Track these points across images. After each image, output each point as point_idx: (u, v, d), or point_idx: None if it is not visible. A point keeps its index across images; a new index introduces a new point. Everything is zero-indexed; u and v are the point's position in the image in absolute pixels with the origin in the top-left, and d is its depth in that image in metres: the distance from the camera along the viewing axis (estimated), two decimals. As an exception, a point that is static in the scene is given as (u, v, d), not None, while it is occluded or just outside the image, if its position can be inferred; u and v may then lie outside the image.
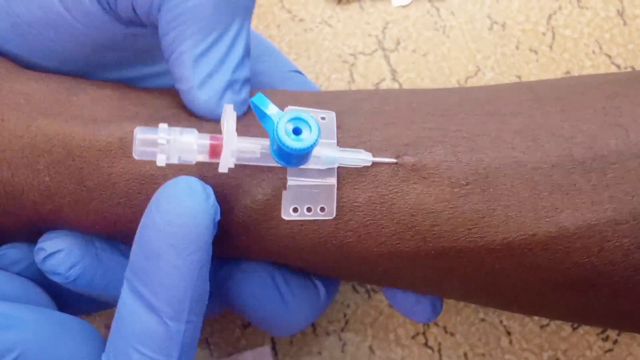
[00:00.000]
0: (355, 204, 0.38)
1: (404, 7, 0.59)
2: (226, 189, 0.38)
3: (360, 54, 0.59)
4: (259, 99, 0.36)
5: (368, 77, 0.58)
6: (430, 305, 0.46)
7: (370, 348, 0.55)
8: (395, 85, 0.58)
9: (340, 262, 0.41)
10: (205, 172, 0.38)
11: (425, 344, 0.55)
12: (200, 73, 0.38)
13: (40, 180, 0.38)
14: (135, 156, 0.34)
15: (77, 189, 0.38)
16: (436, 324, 0.55)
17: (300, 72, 0.50)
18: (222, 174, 0.37)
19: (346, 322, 0.56)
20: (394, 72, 0.58)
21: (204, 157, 0.35)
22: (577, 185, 0.37)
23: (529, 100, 0.40)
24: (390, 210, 0.38)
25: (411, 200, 0.38)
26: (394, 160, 0.38)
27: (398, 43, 0.59)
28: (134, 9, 0.39)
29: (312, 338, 0.56)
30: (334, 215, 0.38)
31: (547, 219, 0.37)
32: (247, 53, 0.40)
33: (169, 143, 0.34)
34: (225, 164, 0.35)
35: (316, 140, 0.34)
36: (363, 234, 0.39)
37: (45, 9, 0.39)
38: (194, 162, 0.35)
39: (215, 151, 0.35)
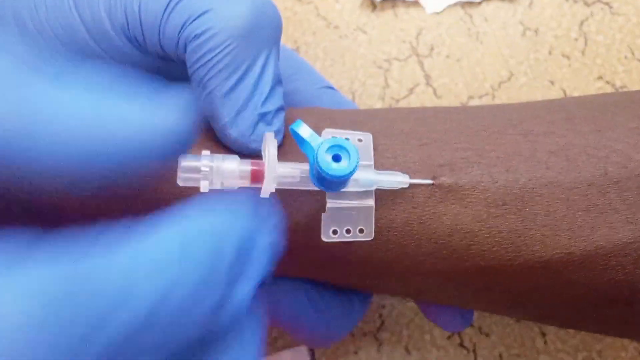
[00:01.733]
0: (392, 225, 0.39)
1: (437, 14, 0.60)
2: None
3: (394, 59, 0.60)
4: (297, 125, 0.37)
5: (402, 82, 0.59)
6: (460, 316, 0.46)
7: (406, 348, 0.56)
8: (429, 90, 0.59)
9: (376, 279, 0.42)
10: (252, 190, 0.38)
11: (461, 345, 0.56)
12: (230, 111, 0.38)
13: (90, 203, 0.39)
14: (180, 183, 0.35)
15: (126, 211, 0.39)
16: (472, 325, 0.56)
17: (332, 88, 0.50)
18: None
19: (382, 323, 0.56)
20: (427, 77, 0.59)
21: (245, 183, 0.36)
22: (613, 204, 0.37)
23: (561, 119, 0.40)
24: (427, 231, 0.38)
25: (448, 220, 0.38)
26: (431, 182, 0.38)
27: (432, 49, 0.59)
28: (162, 48, 0.39)
29: (349, 338, 0.56)
30: (373, 237, 0.38)
31: (582, 238, 0.37)
32: (277, 82, 0.40)
33: (211, 170, 0.35)
34: (267, 189, 0.36)
35: (355, 167, 0.35)
36: (400, 254, 0.39)
37: (79, 45, 0.40)
38: (236, 188, 0.36)
39: (257, 177, 0.36)
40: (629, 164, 0.38)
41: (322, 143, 0.35)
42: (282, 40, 0.55)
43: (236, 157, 0.36)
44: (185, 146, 0.28)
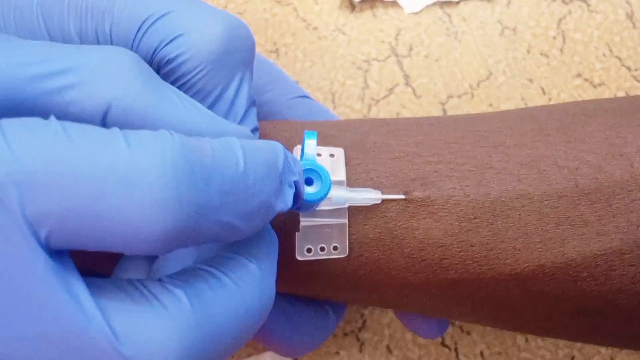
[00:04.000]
0: (365, 240, 0.39)
1: (416, 14, 0.60)
2: None
3: (373, 60, 0.60)
4: (310, 136, 0.37)
5: (382, 82, 0.59)
6: (437, 324, 0.47)
7: (388, 348, 0.56)
8: (409, 90, 0.59)
9: (350, 293, 0.42)
10: None
11: (442, 343, 0.56)
12: None
13: None
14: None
15: None
16: (452, 324, 0.56)
17: (306, 96, 0.50)
18: None
19: (363, 323, 0.57)
20: (407, 77, 0.59)
21: None
22: (583, 216, 0.38)
23: (532, 131, 0.40)
24: (400, 245, 0.39)
25: (420, 235, 0.38)
26: (403, 197, 0.38)
27: (411, 49, 0.59)
28: None
29: (331, 339, 0.57)
30: (347, 254, 0.39)
31: (554, 250, 0.38)
32: (251, 104, 0.40)
33: None
34: None
35: (327, 191, 0.35)
36: (373, 268, 0.40)
37: None
38: None
39: None
40: (599, 176, 0.38)
41: None
42: (262, 42, 0.55)
43: None
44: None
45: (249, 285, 0.32)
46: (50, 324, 0.25)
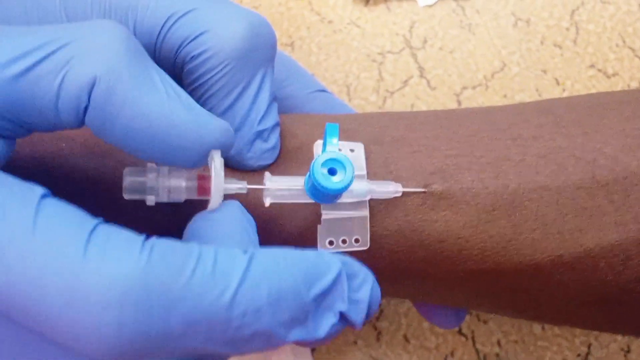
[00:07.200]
0: (386, 233, 0.39)
1: (429, 6, 0.60)
2: (265, 221, 0.40)
3: (388, 52, 0.60)
4: (332, 131, 0.38)
5: (396, 75, 0.60)
6: (454, 314, 0.48)
7: (405, 337, 0.57)
8: (423, 82, 0.59)
9: None
10: (247, 203, 0.38)
11: (459, 332, 0.56)
12: None
13: None
14: (126, 196, 0.35)
15: None
16: (470, 312, 0.56)
17: (325, 91, 0.50)
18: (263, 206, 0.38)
19: (381, 312, 0.57)
20: (421, 69, 0.59)
21: (192, 195, 0.36)
22: (601, 207, 0.38)
23: (549, 123, 0.41)
24: (419, 238, 0.39)
25: (440, 227, 0.39)
26: (423, 190, 0.39)
27: (425, 41, 0.60)
28: None
29: (348, 328, 0.57)
30: (368, 246, 0.39)
31: (572, 241, 0.38)
32: (272, 99, 0.40)
33: (157, 183, 0.35)
34: (215, 203, 0.35)
35: (350, 181, 0.36)
36: (393, 260, 0.40)
37: None
38: (182, 201, 0.36)
39: (203, 189, 0.36)
40: (617, 167, 0.38)
41: (318, 157, 0.36)
42: (277, 36, 0.56)
43: (182, 170, 0.36)
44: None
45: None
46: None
